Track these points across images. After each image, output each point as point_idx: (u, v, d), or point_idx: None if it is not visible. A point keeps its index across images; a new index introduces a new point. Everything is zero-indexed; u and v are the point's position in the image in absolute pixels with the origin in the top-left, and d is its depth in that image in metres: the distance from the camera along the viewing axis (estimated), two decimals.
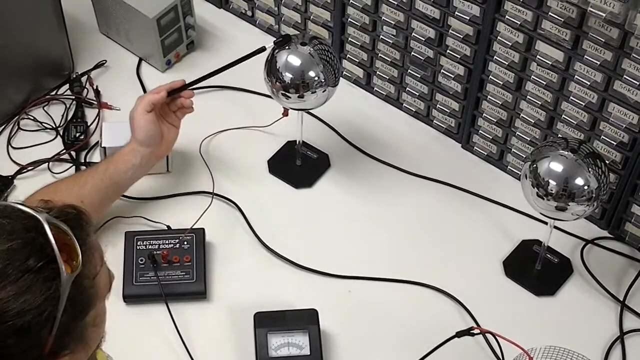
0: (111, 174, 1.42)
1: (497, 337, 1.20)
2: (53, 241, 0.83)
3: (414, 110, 1.67)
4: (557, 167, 1.30)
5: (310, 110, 1.51)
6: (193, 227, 1.47)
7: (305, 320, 1.34)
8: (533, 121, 1.50)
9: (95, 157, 1.59)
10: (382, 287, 1.43)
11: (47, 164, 1.57)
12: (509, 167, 1.59)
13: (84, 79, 1.68)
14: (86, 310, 0.87)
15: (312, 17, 1.67)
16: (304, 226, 1.52)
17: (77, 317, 0.86)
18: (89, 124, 1.62)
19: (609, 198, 1.47)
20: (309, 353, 1.31)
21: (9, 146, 1.59)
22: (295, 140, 1.59)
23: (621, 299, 1.42)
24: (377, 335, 1.38)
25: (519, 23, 1.38)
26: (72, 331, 0.85)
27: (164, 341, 1.36)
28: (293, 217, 1.53)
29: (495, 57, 1.46)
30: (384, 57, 1.63)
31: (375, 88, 1.70)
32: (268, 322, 1.34)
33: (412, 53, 1.57)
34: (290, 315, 1.35)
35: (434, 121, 1.65)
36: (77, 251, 0.85)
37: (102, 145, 1.53)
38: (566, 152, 1.31)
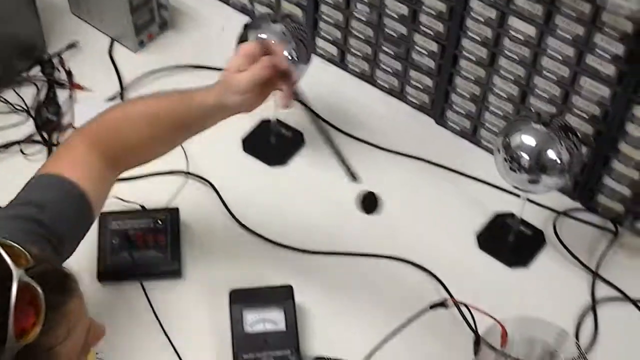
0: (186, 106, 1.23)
1: (470, 308, 1.21)
2: (12, 307, 0.75)
3: (387, 87, 1.67)
4: (529, 140, 1.31)
5: None
6: (167, 207, 1.47)
7: (280, 296, 1.34)
8: (506, 96, 1.50)
9: None
10: (356, 262, 1.44)
11: (18, 145, 1.56)
12: (482, 141, 1.60)
13: (55, 60, 1.67)
14: None
15: None
16: (278, 204, 1.52)
17: None
18: (61, 105, 1.61)
19: (581, 170, 1.48)
20: (284, 328, 1.31)
21: None
22: (269, 119, 1.59)
23: (593, 269, 1.44)
24: (351, 310, 1.38)
25: None
26: None
27: (139, 319, 1.36)
28: (267, 195, 1.54)
29: (468, 33, 1.46)
30: (357, 34, 1.63)
31: (349, 65, 1.70)
32: (243, 298, 1.34)
33: (386, 30, 1.57)
34: (265, 292, 1.35)
35: (408, 97, 1.66)
36: (40, 319, 0.77)
37: (75, 127, 1.52)
38: (538, 126, 1.31)
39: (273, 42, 1.25)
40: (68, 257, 1.12)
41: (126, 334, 1.35)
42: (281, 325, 1.31)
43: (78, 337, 0.84)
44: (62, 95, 1.64)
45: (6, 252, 0.78)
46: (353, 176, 1.21)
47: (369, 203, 1.29)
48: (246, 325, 1.31)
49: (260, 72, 1.18)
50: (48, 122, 1.59)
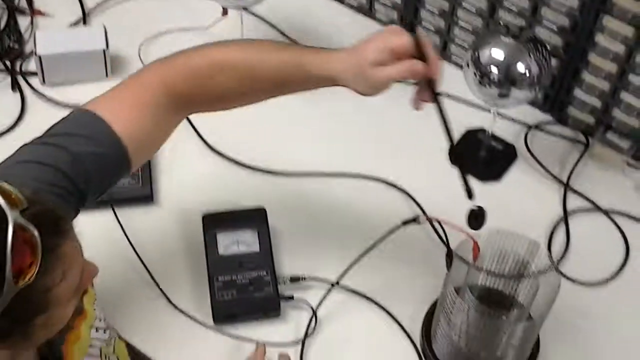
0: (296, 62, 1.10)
1: (442, 224, 1.22)
2: (9, 248, 0.75)
3: (356, 4, 1.65)
4: (498, 53, 1.30)
5: (250, 9, 1.48)
6: None
7: (253, 218, 1.34)
8: (475, 10, 1.49)
9: (31, 66, 1.55)
10: (329, 183, 1.44)
11: None
12: (452, 57, 1.59)
13: None
14: (31, 318, 0.80)
15: None
16: (248, 126, 1.50)
17: (17, 323, 0.79)
18: (22, 33, 1.58)
19: (551, 83, 1.47)
20: (258, 250, 1.31)
21: None
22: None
23: (565, 181, 1.45)
24: (325, 230, 1.38)
25: None
26: (10, 332, 0.79)
27: (112, 247, 1.35)
28: (236, 118, 1.51)
29: None
30: None
31: None
32: (216, 222, 1.34)
33: None
34: (239, 215, 1.35)
35: (377, 15, 1.64)
36: (37, 260, 0.77)
37: (37, 54, 1.49)
38: (507, 39, 1.30)
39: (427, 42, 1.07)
40: (95, 198, 1.08)
41: (101, 262, 1.34)
42: (255, 247, 1.32)
43: (73, 278, 0.83)
44: (23, 22, 1.60)
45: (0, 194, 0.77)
46: (470, 193, 1.13)
47: (478, 219, 1.16)
48: (220, 248, 1.31)
49: (404, 76, 1.06)
50: (10, 49, 1.56)
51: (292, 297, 1.28)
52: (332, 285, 1.29)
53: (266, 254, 1.31)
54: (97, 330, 1.05)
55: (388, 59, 1.06)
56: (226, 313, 1.26)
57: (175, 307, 1.28)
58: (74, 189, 1.02)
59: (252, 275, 1.29)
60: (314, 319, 1.27)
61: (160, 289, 1.30)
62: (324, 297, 1.29)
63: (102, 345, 1.06)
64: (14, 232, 0.75)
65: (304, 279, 1.30)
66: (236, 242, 1.32)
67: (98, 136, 1.05)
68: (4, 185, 0.79)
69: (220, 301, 1.27)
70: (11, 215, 0.76)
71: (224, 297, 1.27)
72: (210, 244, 1.32)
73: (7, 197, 0.78)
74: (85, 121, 1.06)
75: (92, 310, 1.05)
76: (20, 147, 1.03)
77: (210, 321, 1.27)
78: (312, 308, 1.28)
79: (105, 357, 1.06)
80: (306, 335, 1.26)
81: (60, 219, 0.82)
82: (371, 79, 1.07)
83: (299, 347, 1.25)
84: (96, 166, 1.04)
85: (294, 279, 1.30)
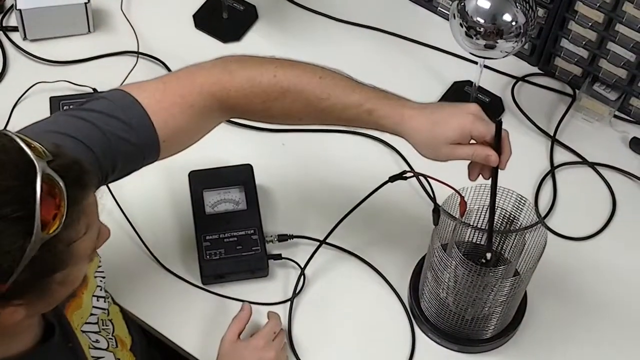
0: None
1: (429, 179, 1.21)
2: (39, 198, 0.75)
3: None
4: (484, 3, 1.29)
5: None
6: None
7: (240, 175, 1.34)
8: None
9: (12, 20, 1.53)
10: (314, 138, 1.43)
11: None
12: (439, 8, 1.57)
13: None
14: (52, 272, 0.81)
15: None
16: None
17: (39, 276, 0.79)
18: None
19: (538, 34, 1.46)
20: (245, 207, 1.31)
21: None
22: None
23: (552, 134, 1.44)
24: (312, 186, 1.38)
25: None
26: (31, 286, 0.80)
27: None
28: None
29: None
30: None
31: None
32: (203, 180, 1.33)
33: None
34: (225, 172, 1.34)
35: None
36: (62, 212, 0.77)
37: (18, 8, 1.47)
38: None
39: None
40: (115, 180, 1.08)
41: None
42: (242, 205, 1.31)
43: (93, 235, 0.84)
44: None
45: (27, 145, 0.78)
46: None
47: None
48: (207, 207, 1.31)
49: (472, 157, 1.08)
50: None
51: (280, 256, 1.28)
52: (320, 243, 1.29)
53: (253, 212, 1.31)
54: (97, 300, 1.06)
55: (465, 141, 1.08)
56: (214, 273, 1.27)
57: (164, 267, 1.29)
58: (99, 169, 1.02)
59: (240, 234, 1.28)
60: (302, 277, 1.28)
61: (149, 250, 1.30)
62: (312, 256, 1.29)
63: (100, 314, 1.06)
64: (41, 182, 0.76)
65: (292, 237, 1.30)
66: (223, 201, 1.32)
67: (134, 124, 1.04)
68: (27, 138, 0.80)
69: (208, 261, 1.27)
70: (39, 165, 0.76)
71: (211, 257, 1.27)
72: (197, 202, 1.32)
73: (32, 149, 0.78)
74: (124, 104, 1.05)
75: (94, 279, 1.06)
76: (55, 114, 1.02)
77: (199, 281, 1.27)
78: (300, 267, 1.28)
79: (102, 322, 1.06)
80: (294, 294, 1.26)
81: (85, 172, 0.82)
82: (442, 153, 1.09)
83: (287, 305, 1.26)
84: (126, 154, 1.04)
85: (282, 238, 1.30)
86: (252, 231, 1.29)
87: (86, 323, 1.03)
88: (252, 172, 1.34)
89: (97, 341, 1.04)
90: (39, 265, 0.78)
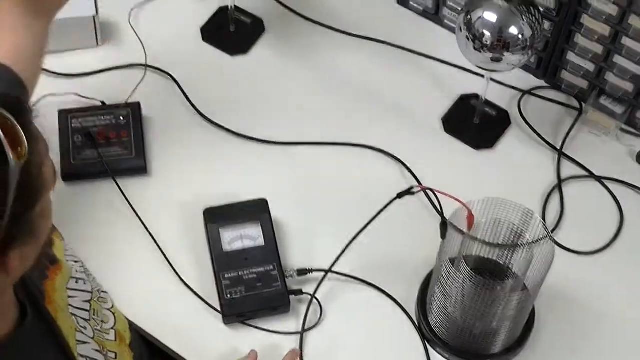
0: None
1: (437, 193, 1.22)
2: (1, 133, 0.77)
3: None
4: (490, 16, 1.29)
5: None
6: (128, 102, 1.44)
7: (255, 210, 1.32)
8: None
9: None
10: (323, 152, 1.43)
11: None
12: (445, 21, 1.57)
13: None
14: (35, 199, 0.83)
15: None
16: (241, 94, 1.50)
17: (26, 206, 0.82)
18: None
19: (544, 47, 1.47)
20: (263, 243, 1.30)
21: None
22: (228, 6, 1.54)
23: (558, 147, 1.44)
24: (322, 203, 1.38)
25: None
26: (21, 222, 0.82)
27: (109, 216, 1.36)
28: (230, 85, 1.51)
29: None
30: None
31: None
32: (218, 217, 1.32)
33: None
34: (240, 207, 1.32)
35: None
36: (21, 139, 0.79)
37: None
38: (499, 2, 1.29)
39: None
40: None
41: (109, 234, 1.34)
42: (260, 241, 1.30)
43: (51, 162, 0.86)
44: None
45: None
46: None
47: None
48: (224, 244, 1.30)
49: None
50: None
51: (301, 292, 1.28)
52: (326, 272, 1.29)
53: (272, 247, 1.30)
54: (77, 282, 1.06)
55: None
56: (236, 312, 1.26)
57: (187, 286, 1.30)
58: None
59: (260, 270, 1.28)
60: (319, 308, 1.28)
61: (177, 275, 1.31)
62: (319, 284, 1.29)
63: (88, 299, 1.06)
64: None
65: (311, 271, 1.30)
66: (240, 237, 1.30)
67: None
68: None
69: (229, 300, 1.26)
70: None
71: (232, 296, 1.26)
72: (213, 240, 1.30)
73: None
74: None
75: (65, 261, 1.06)
76: None
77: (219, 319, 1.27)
78: (316, 299, 1.28)
79: (95, 313, 1.06)
80: (303, 327, 1.26)
81: (21, 99, 0.84)
82: None
83: (298, 337, 1.26)
84: None
85: (301, 272, 1.29)
86: (271, 267, 1.28)
87: (77, 309, 1.03)
88: (268, 206, 1.33)
89: (85, 327, 1.04)
90: (23, 194, 0.80)
